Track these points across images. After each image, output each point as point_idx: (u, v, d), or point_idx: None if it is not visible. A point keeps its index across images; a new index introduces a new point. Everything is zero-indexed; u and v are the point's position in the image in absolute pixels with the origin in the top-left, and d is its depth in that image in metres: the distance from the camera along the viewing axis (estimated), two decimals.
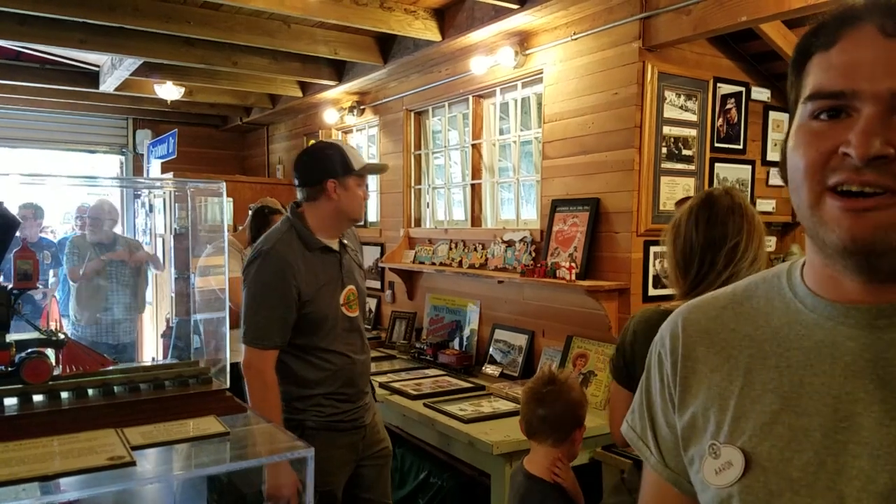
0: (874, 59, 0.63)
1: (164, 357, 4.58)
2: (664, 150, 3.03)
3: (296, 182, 2.31)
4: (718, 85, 3.20)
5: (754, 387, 0.73)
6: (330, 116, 5.29)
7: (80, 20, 3.48)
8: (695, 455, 0.77)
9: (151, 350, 4.93)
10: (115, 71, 4.58)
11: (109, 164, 6.93)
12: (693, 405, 0.78)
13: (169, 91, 4.99)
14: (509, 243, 3.64)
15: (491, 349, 3.70)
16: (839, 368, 0.68)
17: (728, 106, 3.26)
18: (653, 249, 3.03)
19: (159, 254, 5.80)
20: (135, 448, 0.95)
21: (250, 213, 3.75)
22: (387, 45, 4.09)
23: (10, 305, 1.08)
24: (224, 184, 1.20)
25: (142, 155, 6.57)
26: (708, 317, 0.81)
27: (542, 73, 3.45)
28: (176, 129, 5.71)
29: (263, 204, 3.71)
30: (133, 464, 0.90)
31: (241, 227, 3.93)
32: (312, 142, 5.67)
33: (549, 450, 2.02)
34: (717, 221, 1.64)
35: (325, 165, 2.28)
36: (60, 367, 1.14)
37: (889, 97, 0.61)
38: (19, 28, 3.71)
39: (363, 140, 5.38)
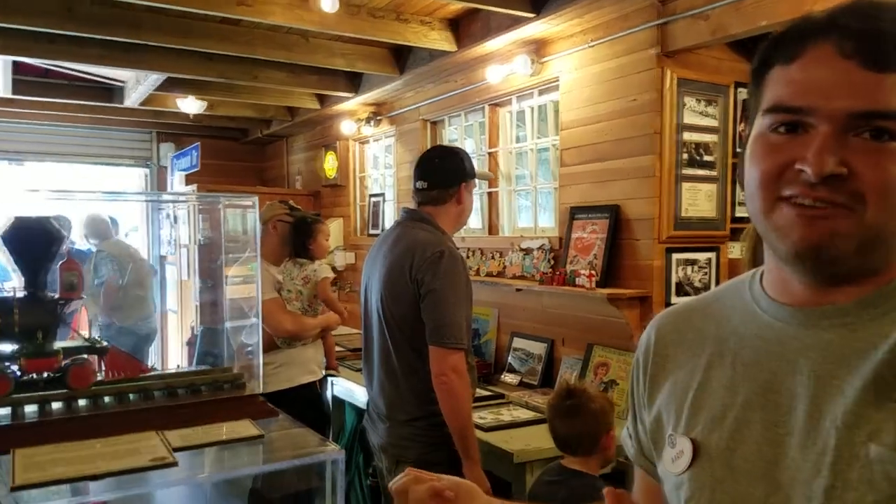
0: (831, 79, 0.65)
1: (189, 364, 4.63)
2: (685, 155, 3.03)
3: (422, 185, 2.26)
4: (739, 89, 3.19)
5: (711, 382, 0.78)
6: (347, 127, 5.34)
7: (105, 38, 3.56)
8: (660, 446, 0.83)
9: (176, 357, 5.00)
10: (139, 86, 4.68)
11: (134, 176, 7.07)
12: (659, 399, 0.84)
13: (191, 105, 5.09)
14: (527, 251, 3.65)
15: (510, 358, 3.71)
16: (784, 365, 0.72)
17: None
18: (675, 256, 3.03)
19: (183, 264, 5.89)
20: (175, 450, 0.98)
21: (262, 224, 3.32)
22: (402, 56, 4.14)
23: (56, 314, 1.12)
24: (256, 199, 1.23)
25: (165, 167, 6.69)
26: (679, 318, 0.88)
27: (558, 80, 3.48)
28: (198, 143, 5.81)
29: (278, 214, 3.39)
30: (175, 464, 0.93)
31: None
32: (330, 153, 5.73)
33: (583, 459, 2.05)
34: None
35: (460, 167, 2.30)
36: (103, 372, 1.19)
37: (843, 117, 0.64)
38: (49, 46, 3.81)
39: (380, 150, 5.43)
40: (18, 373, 1.15)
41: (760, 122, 0.71)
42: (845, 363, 0.68)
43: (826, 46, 0.66)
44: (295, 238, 3.32)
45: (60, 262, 1.13)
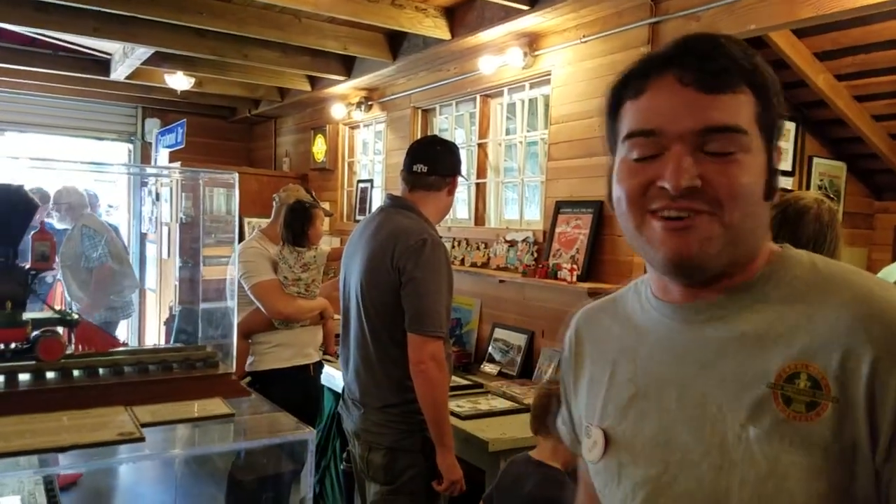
0: (675, 104, 0.76)
1: (167, 343, 4.61)
2: None
3: (421, 168, 2.24)
4: None
5: (617, 376, 0.87)
6: (337, 111, 5.32)
7: (95, 8, 3.50)
8: (581, 437, 0.92)
9: (153, 336, 4.97)
10: (126, 59, 4.61)
11: (118, 151, 6.97)
12: (581, 391, 0.93)
13: (179, 81, 5.03)
14: (511, 243, 3.66)
15: (490, 348, 3.73)
16: (672, 357, 0.81)
17: None
18: None
19: (164, 242, 5.84)
20: (144, 425, 0.98)
21: (278, 206, 3.35)
22: (396, 42, 4.12)
23: (27, 285, 1.11)
24: (237, 175, 1.22)
25: (150, 143, 6.62)
26: (592, 317, 0.97)
27: (550, 74, 3.48)
28: (185, 119, 5.76)
29: (298, 198, 3.31)
30: (142, 439, 0.93)
31: (267, 222, 3.44)
32: (319, 137, 5.71)
33: (556, 444, 2.06)
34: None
35: (457, 160, 2.31)
36: (73, 345, 1.18)
37: (690, 136, 0.74)
38: (34, 14, 3.73)
39: (370, 136, 5.41)
40: None
41: (621, 150, 0.81)
42: (722, 352, 0.77)
43: (668, 77, 0.76)
44: (293, 222, 3.19)
45: (33, 233, 1.12)
